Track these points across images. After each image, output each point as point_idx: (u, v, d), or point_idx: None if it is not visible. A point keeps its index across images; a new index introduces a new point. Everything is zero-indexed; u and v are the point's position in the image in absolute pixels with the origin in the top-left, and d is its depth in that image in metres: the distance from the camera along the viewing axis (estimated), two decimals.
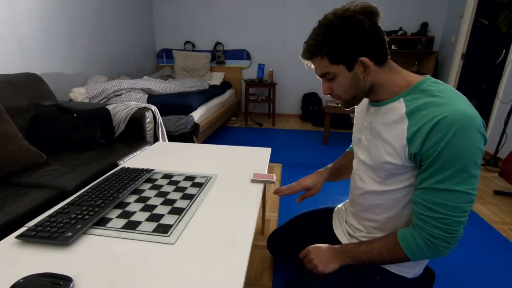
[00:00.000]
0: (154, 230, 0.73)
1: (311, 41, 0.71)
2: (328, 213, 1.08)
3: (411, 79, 0.71)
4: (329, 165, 1.09)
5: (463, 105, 0.61)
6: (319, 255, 0.82)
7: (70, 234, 0.68)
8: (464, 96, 0.65)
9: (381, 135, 0.74)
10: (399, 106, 0.69)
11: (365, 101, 0.84)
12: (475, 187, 0.62)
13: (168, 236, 0.71)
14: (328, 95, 0.78)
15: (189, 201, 0.88)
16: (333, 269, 0.79)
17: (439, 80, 0.69)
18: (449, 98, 0.63)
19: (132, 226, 0.75)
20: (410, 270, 0.80)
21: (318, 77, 0.77)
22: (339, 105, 0.82)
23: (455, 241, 0.65)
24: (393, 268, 0.80)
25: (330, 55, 0.69)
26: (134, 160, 1.23)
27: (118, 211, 0.82)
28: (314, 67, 0.76)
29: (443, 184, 0.62)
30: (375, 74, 0.71)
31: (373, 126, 0.77)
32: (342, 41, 0.67)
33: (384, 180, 0.76)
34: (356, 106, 0.88)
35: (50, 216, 0.75)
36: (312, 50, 0.71)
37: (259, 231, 1.54)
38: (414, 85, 0.69)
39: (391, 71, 0.72)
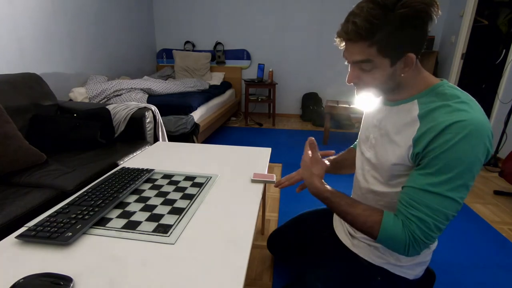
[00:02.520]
0: (154, 230, 0.73)
1: (364, 22, 0.59)
2: (328, 213, 1.08)
3: (429, 81, 0.69)
4: (331, 157, 1.08)
5: (476, 113, 0.60)
6: (306, 165, 0.79)
7: (70, 234, 0.68)
8: (479, 104, 0.63)
9: (389, 135, 0.72)
10: (413, 108, 0.68)
11: (377, 99, 0.82)
12: (464, 197, 0.61)
13: (168, 236, 0.71)
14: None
15: (189, 201, 0.88)
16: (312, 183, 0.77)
17: (455, 85, 0.67)
18: (464, 104, 0.61)
19: (132, 226, 0.75)
20: (411, 271, 0.80)
21: (346, 62, 0.68)
22: (360, 94, 0.73)
23: (424, 248, 0.64)
24: (395, 269, 0.79)
25: (382, 45, 0.60)
26: (134, 160, 1.23)
27: (118, 211, 0.81)
28: (345, 48, 0.66)
29: (436, 187, 0.61)
30: (408, 73, 0.66)
31: (382, 125, 0.76)
32: (404, 35, 0.59)
33: (388, 181, 0.75)
34: (366, 103, 0.88)
35: (50, 216, 0.75)
36: (364, 33, 0.59)
37: (259, 231, 1.54)
38: (430, 87, 0.68)
39: (417, 71, 0.69)
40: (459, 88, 0.67)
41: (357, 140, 1.09)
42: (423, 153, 0.63)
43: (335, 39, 0.68)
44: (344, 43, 0.66)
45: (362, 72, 0.67)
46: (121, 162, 1.45)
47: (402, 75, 0.66)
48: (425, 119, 0.64)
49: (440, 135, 0.60)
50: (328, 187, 0.77)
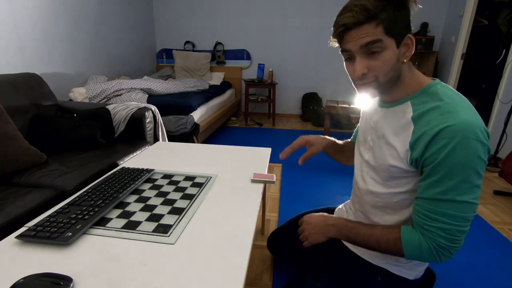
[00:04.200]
0: (154, 230, 0.73)
1: (368, 2, 0.60)
2: (328, 213, 1.08)
3: (421, 80, 0.70)
4: (334, 138, 1.06)
5: (468, 114, 0.60)
6: (310, 225, 0.81)
7: (70, 234, 0.68)
8: (471, 104, 0.64)
9: (386, 137, 0.73)
10: (407, 110, 0.68)
11: (373, 100, 0.83)
12: (477, 196, 0.62)
13: (168, 236, 0.71)
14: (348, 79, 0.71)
15: (189, 201, 0.88)
16: (322, 241, 0.79)
17: (448, 85, 0.68)
18: (455, 105, 0.62)
19: (132, 226, 0.75)
20: (411, 272, 0.80)
21: (346, 58, 0.68)
22: (368, 90, 0.70)
23: (456, 251, 0.65)
24: (395, 270, 0.79)
25: (388, 24, 0.61)
26: (134, 160, 1.23)
27: (118, 211, 0.81)
28: (347, 39, 0.65)
29: (447, 195, 0.61)
30: (406, 63, 0.67)
31: (378, 127, 0.77)
32: (402, 14, 0.62)
33: (386, 182, 0.75)
34: (363, 105, 0.88)
35: (50, 216, 0.75)
36: (373, 10, 0.60)
37: (259, 231, 1.54)
38: (423, 88, 0.68)
39: (409, 68, 0.70)
40: (452, 88, 0.67)
41: (356, 140, 1.09)
42: (422, 160, 0.64)
43: (333, 28, 0.66)
44: (336, 42, 0.67)
45: (371, 59, 0.64)
46: (121, 162, 1.45)
47: (404, 61, 0.67)
48: (419, 122, 0.65)
49: (435, 140, 0.60)
50: (341, 232, 0.78)
